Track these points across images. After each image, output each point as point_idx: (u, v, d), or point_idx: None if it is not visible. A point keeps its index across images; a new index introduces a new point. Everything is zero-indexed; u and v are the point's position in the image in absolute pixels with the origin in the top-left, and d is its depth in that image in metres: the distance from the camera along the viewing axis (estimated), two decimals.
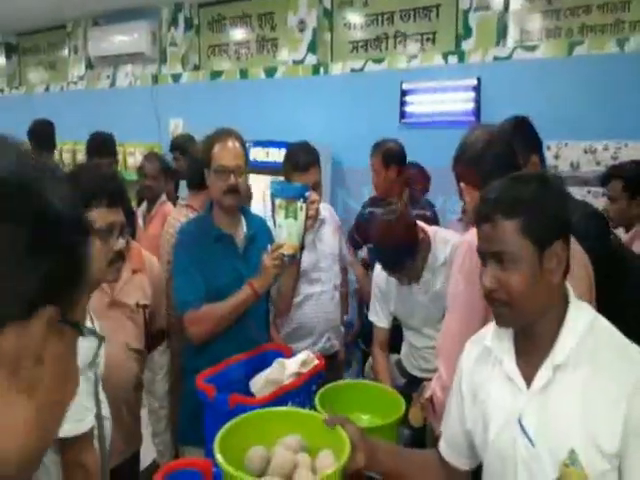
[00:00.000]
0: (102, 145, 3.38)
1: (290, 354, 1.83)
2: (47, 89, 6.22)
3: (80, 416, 1.26)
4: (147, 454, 3.02)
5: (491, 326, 1.15)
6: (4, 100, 6.59)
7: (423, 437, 1.86)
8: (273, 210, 1.84)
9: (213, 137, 1.94)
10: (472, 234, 1.34)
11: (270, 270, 1.80)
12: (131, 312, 1.79)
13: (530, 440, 1.02)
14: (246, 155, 1.95)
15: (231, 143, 1.90)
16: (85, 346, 0.90)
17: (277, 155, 4.50)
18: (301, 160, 2.27)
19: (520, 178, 1.09)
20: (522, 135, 1.84)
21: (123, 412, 1.80)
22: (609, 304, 1.35)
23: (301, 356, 1.75)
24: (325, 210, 2.29)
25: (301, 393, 1.65)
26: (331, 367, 2.07)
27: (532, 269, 1.02)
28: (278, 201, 1.81)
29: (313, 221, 2.00)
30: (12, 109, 6.23)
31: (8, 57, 6.59)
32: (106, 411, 1.45)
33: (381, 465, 1.18)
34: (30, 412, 0.47)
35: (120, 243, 1.44)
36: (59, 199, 0.48)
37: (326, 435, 1.17)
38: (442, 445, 1.26)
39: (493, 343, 1.12)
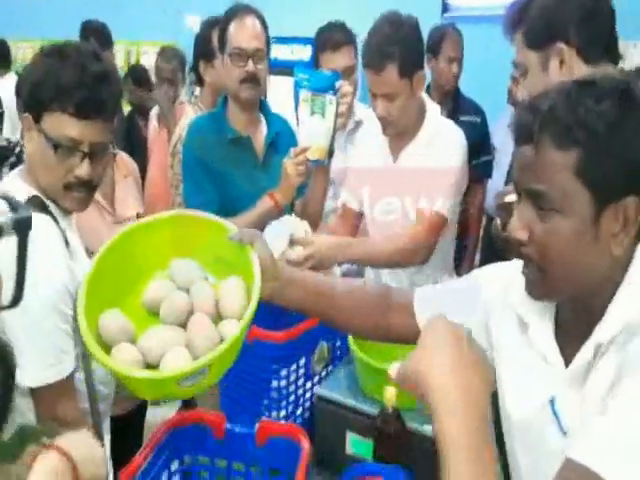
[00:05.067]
0: (98, 35, 2.92)
1: None
2: None
3: (52, 360, 1.05)
4: None
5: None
6: None
7: None
8: (296, 104, 1.54)
9: (228, 15, 1.65)
10: None
11: (292, 178, 1.54)
12: None
13: (561, 428, 0.78)
14: (267, 39, 1.67)
15: (250, 21, 1.63)
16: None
17: (302, 53, 4.10)
18: (332, 37, 1.91)
19: (593, 86, 0.71)
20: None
21: None
22: None
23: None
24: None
25: None
26: None
27: (581, 227, 0.71)
28: (303, 93, 1.51)
29: (345, 119, 1.67)
30: None
31: None
32: None
33: (289, 300, 0.95)
34: None
35: (84, 169, 1.07)
36: None
37: (235, 257, 0.90)
38: (419, 296, 0.98)
39: (526, 308, 0.83)
